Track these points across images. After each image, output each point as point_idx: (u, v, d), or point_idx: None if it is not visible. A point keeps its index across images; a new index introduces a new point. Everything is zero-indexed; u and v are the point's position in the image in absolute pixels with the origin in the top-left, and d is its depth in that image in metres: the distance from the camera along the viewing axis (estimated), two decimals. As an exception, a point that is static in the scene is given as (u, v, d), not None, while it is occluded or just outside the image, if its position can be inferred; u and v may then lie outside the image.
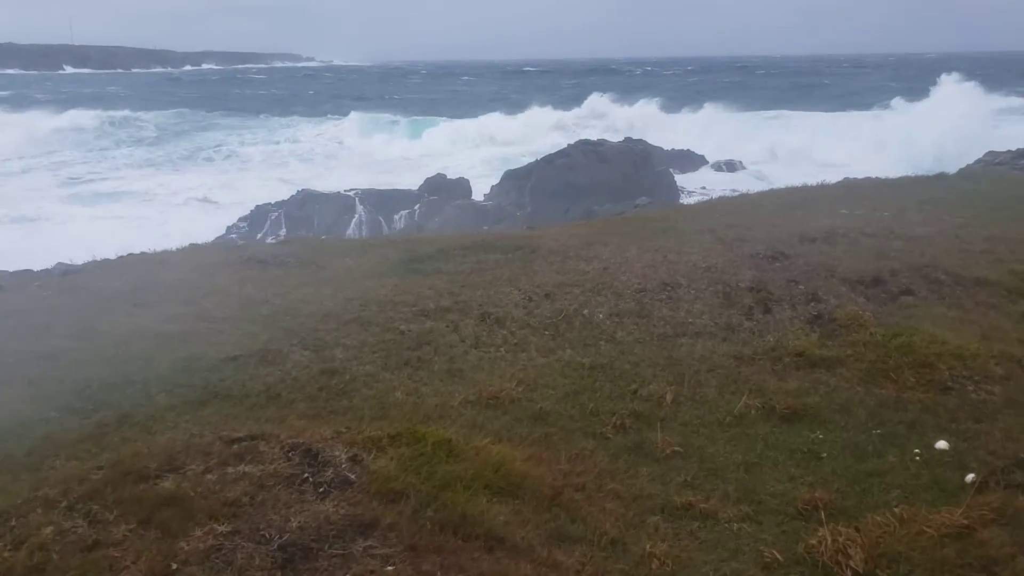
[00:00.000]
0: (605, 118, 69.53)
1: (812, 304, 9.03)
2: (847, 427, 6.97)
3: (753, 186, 40.38)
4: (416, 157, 55.48)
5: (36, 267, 16.09)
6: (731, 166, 44.45)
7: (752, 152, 48.18)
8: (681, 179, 39.26)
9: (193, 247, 11.55)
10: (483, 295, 9.07)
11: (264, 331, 8.26)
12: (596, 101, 77.07)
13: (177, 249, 11.86)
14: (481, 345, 8.26)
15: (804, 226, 11.51)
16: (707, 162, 46.28)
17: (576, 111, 73.25)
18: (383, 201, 34.26)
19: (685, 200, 33.98)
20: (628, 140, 42.33)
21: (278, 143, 64.40)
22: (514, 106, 74.49)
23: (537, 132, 61.47)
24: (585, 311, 8.88)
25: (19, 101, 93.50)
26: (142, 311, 8.81)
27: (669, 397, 7.52)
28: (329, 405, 7.06)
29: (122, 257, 11.77)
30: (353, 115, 73.79)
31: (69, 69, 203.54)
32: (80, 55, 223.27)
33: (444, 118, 70.70)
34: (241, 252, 10.59)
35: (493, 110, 72.32)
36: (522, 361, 8.02)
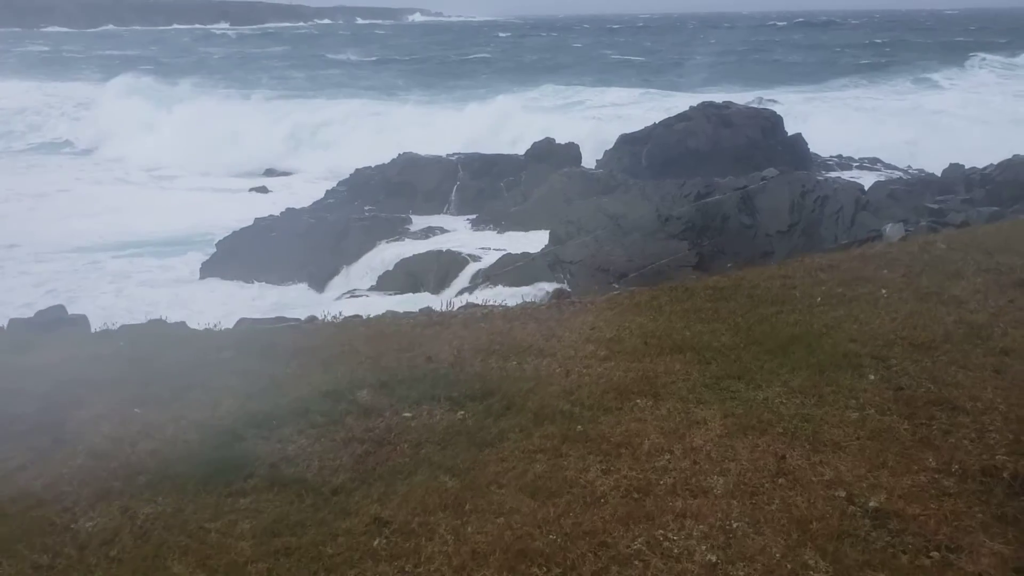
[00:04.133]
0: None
1: None
2: None
3: (893, 155, 31.90)
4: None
5: None
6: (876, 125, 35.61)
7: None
8: (815, 145, 31.55)
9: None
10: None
11: None
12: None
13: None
14: None
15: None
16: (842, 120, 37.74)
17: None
18: (486, 167, 28.36)
19: (820, 175, 26.63)
20: (760, 99, 34.78)
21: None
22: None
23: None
24: None
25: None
26: None
27: None
28: None
29: None
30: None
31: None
32: (218, 11, 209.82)
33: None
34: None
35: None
36: None
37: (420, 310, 7.08)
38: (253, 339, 5.92)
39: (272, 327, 6.58)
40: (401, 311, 8.65)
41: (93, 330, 13.55)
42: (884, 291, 6.46)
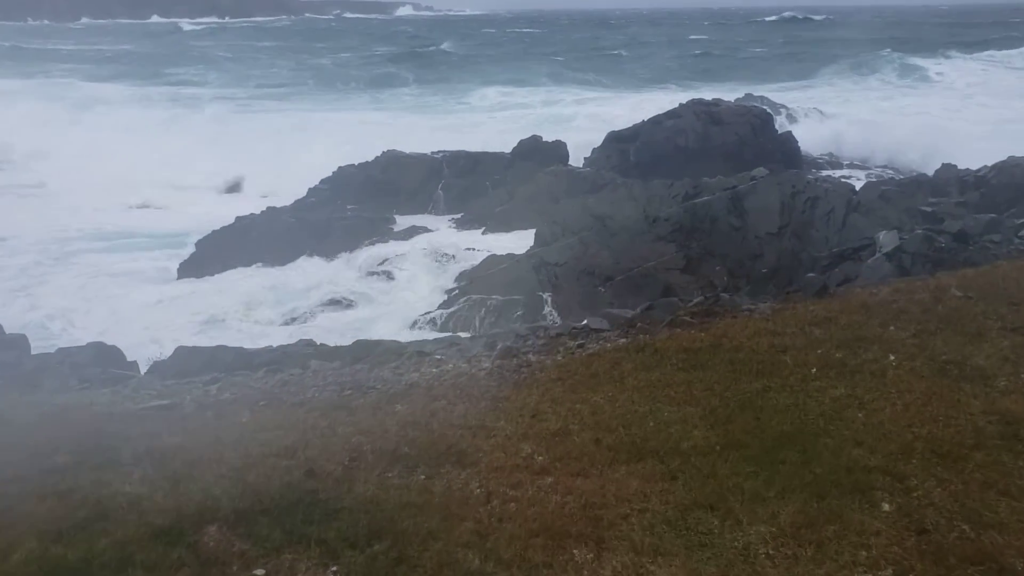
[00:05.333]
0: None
1: None
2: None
3: (884, 155, 30.43)
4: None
5: None
6: (866, 125, 33.85)
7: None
8: (806, 142, 30.08)
9: None
10: None
11: None
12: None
13: None
14: None
15: None
16: (832, 118, 36.14)
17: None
18: (472, 165, 26.96)
19: (811, 175, 25.21)
20: (748, 96, 33.39)
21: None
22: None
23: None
24: None
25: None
26: None
27: None
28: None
29: None
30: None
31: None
32: (208, 3, 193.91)
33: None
34: None
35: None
36: None
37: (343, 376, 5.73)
38: (101, 434, 4.58)
39: (138, 409, 5.23)
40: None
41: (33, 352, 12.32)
42: (892, 358, 5.12)
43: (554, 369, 5.23)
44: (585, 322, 11.17)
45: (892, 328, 5.61)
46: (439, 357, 6.19)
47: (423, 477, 3.91)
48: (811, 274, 11.34)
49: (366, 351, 9.32)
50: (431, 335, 17.48)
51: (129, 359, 11.43)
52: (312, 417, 4.58)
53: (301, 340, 12.09)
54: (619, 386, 4.90)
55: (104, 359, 10.26)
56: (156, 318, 16.92)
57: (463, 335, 12.17)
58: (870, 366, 5.05)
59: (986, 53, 62.04)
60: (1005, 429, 4.19)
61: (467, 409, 4.61)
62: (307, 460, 4.02)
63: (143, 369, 10.68)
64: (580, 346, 6.28)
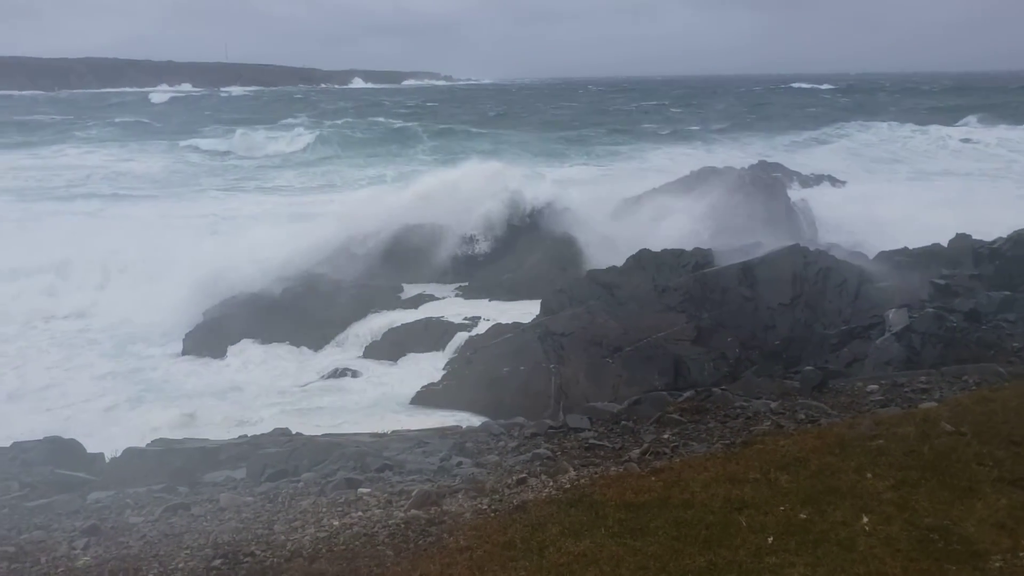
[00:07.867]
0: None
1: None
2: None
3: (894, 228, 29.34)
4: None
5: None
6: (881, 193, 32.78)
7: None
8: (820, 210, 29.08)
9: None
10: None
11: None
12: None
13: None
14: None
15: None
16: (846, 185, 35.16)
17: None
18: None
19: (824, 244, 24.16)
20: (763, 163, 32.61)
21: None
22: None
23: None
24: None
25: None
26: None
27: None
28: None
29: None
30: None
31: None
32: (232, 72, 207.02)
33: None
34: None
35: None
36: None
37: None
38: None
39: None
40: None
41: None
42: (866, 520, 4.19)
43: (468, 529, 4.34)
44: (564, 420, 10.17)
45: (869, 476, 4.67)
46: (365, 491, 5.34)
47: None
48: (809, 367, 10.34)
49: (324, 453, 8.52)
50: (430, 410, 16.65)
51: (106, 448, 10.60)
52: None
53: (276, 429, 11.26)
54: (536, 561, 4.00)
55: (59, 456, 9.47)
56: (151, 398, 16.20)
57: (448, 422, 11.29)
58: (838, 532, 4.12)
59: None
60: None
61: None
62: None
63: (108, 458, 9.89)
64: (520, 482, 5.37)
